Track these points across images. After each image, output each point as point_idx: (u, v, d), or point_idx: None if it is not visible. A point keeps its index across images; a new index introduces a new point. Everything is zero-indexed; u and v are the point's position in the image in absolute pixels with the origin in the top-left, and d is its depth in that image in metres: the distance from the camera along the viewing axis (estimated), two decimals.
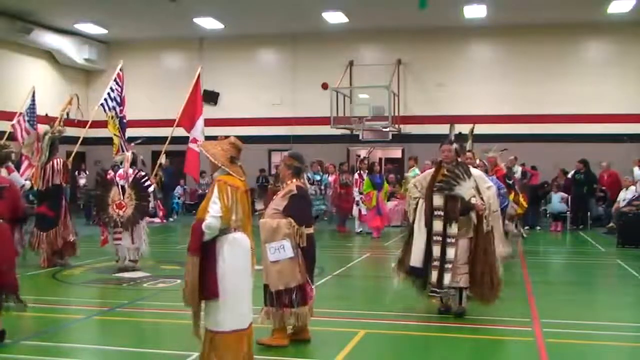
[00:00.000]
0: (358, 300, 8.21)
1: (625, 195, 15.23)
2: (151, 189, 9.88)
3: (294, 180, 5.72)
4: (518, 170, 17.67)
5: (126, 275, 9.48)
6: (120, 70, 11.16)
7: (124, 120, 10.99)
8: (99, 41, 22.23)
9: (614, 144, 18.59)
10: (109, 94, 10.76)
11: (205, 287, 4.48)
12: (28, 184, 10.34)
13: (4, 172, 10.22)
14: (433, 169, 7.09)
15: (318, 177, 17.44)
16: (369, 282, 10.08)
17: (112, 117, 10.69)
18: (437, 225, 6.73)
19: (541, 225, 17.11)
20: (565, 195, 16.97)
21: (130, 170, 9.72)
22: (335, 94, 19.03)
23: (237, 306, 4.56)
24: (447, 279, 6.66)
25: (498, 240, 7.18)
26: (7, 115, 19.23)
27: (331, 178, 17.46)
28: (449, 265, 6.66)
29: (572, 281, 10.05)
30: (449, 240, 6.68)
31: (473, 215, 6.71)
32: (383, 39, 20.83)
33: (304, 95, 21.04)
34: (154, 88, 21.59)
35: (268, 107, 21.41)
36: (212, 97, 21.28)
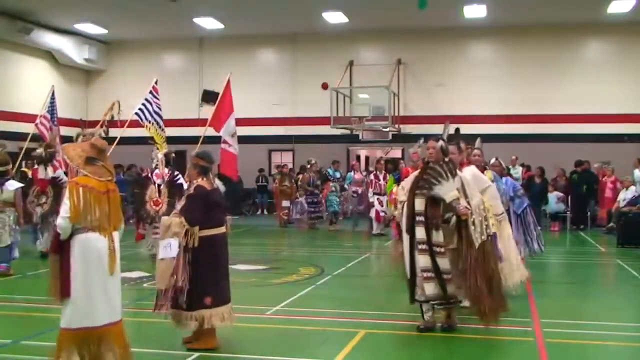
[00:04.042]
0: (358, 300, 8.19)
1: (625, 195, 15.22)
2: (185, 186, 10.23)
3: (199, 179, 5.68)
4: (519, 170, 17.68)
5: (126, 275, 9.51)
6: (156, 83, 11.63)
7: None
8: (99, 41, 22.24)
9: (614, 144, 18.58)
10: (144, 104, 11.18)
11: (61, 286, 4.64)
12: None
13: (50, 170, 10.89)
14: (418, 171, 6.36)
15: (338, 175, 17.21)
16: (369, 282, 10.07)
17: (154, 129, 11.14)
18: (420, 233, 5.98)
19: (542, 226, 17.07)
20: (562, 194, 16.94)
21: (166, 170, 10.45)
22: (335, 94, 19.04)
23: (87, 305, 4.61)
24: (450, 289, 6.00)
25: (509, 252, 6.84)
26: (8, 115, 19.31)
27: (356, 175, 16.90)
28: (449, 276, 5.98)
29: (572, 281, 10.05)
30: (436, 249, 5.95)
31: (454, 219, 5.97)
32: (383, 39, 20.83)
33: (304, 95, 21.04)
34: None
35: (268, 107, 21.40)
36: (211, 97, 21.23)
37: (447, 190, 5.92)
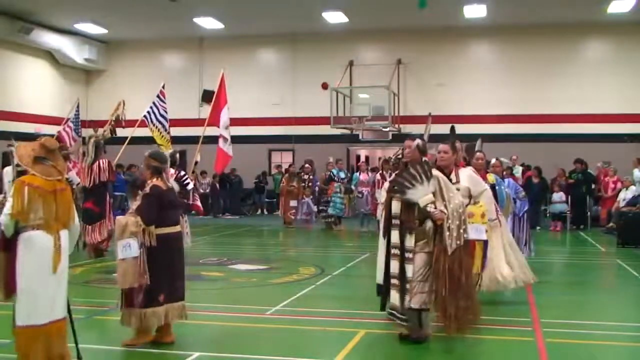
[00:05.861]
0: (358, 300, 8.19)
1: (625, 195, 15.23)
2: (190, 186, 10.24)
3: (154, 179, 5.74)
4: (519, 170, 17.70)
5: None
6: (163, 87, 12.16)
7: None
8: (99, 41, 22.25)
9: (614, 144, 18.60)
10: (152, 108, 11.69)
11: (6, 283, 4.72)
12: (79, 181, 11.33)
13: None
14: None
15: (343, 175, 17.15)
16: (369, 282, 10.04)
17: (159, 132, 11.39)
18: (394, 236, 5.62)
19: (541, 225, 17.10)
20: (564, 195, 16.94)
21: (172, 170, 10.29)
22: (335, 94, 19.06)
23: (32, 303, 4.66)
24: (407, 300, 5.58)
25: (499, 259, 6.84)
26: (8, 115, 19.31)
27: (362, 176, 16.78)
28: (411, 285, 5.58)
29: (572, 281, 10.04)
30: (407, 255, 5.57)
31: (428, 224, 5.55)
32: (383, 39, 20.84)
33: (304, 95, 21.06)
34: (153, 88, 21.44)
35: (268, 107, 21.42)
36: (211, 97, 21.28)
37: (420, 194, 5.51)
